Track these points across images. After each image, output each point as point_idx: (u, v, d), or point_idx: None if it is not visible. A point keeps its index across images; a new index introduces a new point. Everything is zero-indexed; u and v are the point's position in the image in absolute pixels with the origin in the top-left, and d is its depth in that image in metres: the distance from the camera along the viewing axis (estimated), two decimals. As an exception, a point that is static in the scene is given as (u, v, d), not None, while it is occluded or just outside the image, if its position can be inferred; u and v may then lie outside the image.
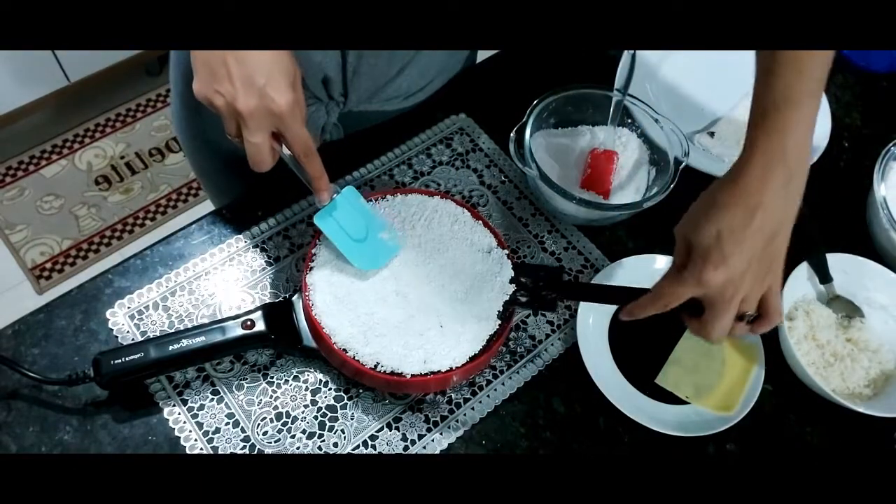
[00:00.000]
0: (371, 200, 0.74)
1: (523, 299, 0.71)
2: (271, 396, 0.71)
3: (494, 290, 0.71)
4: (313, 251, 0.70)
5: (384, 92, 0.85)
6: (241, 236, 0.79)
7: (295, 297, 0.71)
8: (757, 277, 0.58)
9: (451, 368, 0.66)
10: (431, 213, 0.74)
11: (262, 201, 0.82)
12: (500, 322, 0.70)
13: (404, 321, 0.67)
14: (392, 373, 0.65)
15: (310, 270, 0.69)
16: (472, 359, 0.67)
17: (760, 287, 0.59)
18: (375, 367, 0.65)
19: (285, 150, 0.62)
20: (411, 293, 0.69)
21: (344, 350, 0.65)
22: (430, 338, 0.67)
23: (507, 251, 0.73)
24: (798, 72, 0.57)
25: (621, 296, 0.68)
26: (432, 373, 0.66)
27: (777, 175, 0.56)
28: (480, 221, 0.75)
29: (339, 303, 0.67)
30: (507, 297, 0.70)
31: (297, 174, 0.65)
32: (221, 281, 0.76)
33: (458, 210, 0.75)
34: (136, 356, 0.65)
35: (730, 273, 0.56)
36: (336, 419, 0.70)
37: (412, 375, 0.65)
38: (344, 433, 0.70)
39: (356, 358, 0.65)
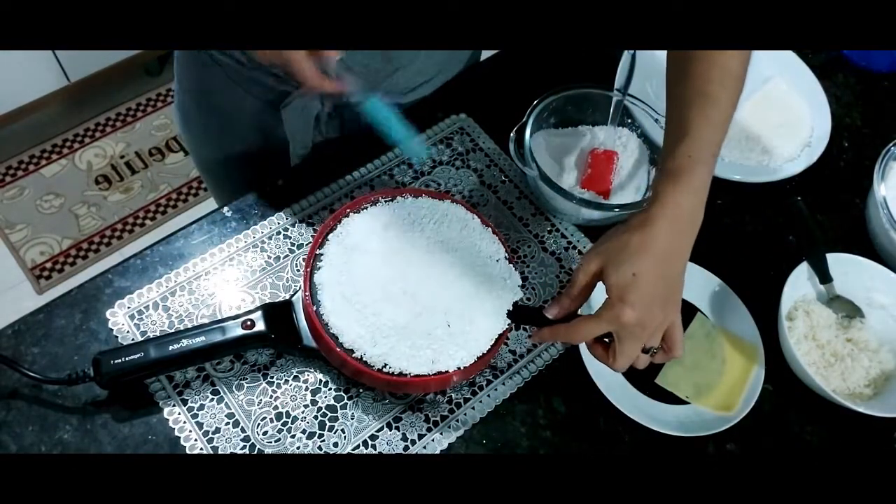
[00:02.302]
0: (380, 201, 0.73)
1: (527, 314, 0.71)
2: (271, 396, 0.71)
3: (504, 288, 0.70)
4: (319, 251, 0.70)
5: (380, 87, 0.85)
6: (241, 236, 0.79)
7: (295, 297, 0.71)
8: (662, 317, 0.62)
9: (459, 368, 0.66)
10: (441, 217, 0.73)
11: (263, 201, 0.82)
12: (509, 321, 0.69)
13: (411, 321, 0.67)
14: (399, 374, 0.65)
15: (317, 269, 0.68)
16: (479, 358, 0.67)
17: (663, 325, 0.63)
18: (383, 368, 0.65)
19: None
20: (419, 291, 0.68)
21: (351, 350, 0.65)
22: (438, 337, 0.66)
23: (513, 266, 0.73)
24: (707, 135, 0.64)
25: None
26: (439, 373, 0.65)
27: (681, 229, 0.63)
28: (489, 228, 0.74)
29: (348, 302, 0.67)
30: (516, 298, 0.70)
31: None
32: (221, 281, 0.76)
33: (469, 216, 0.74)
34: (136, 356, 0.65)
35: (642, 313, 0.60)
36: (336, 419, 0.70)
37: (418, 376, 0.65)
38: (344, 433, 0.70)
39: (363, 359, 0.65)
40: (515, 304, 0.70)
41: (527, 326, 0.78)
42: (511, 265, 0.73)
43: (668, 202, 0.62)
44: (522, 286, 0.72)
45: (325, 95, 0.75)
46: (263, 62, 0.65)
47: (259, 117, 0.89)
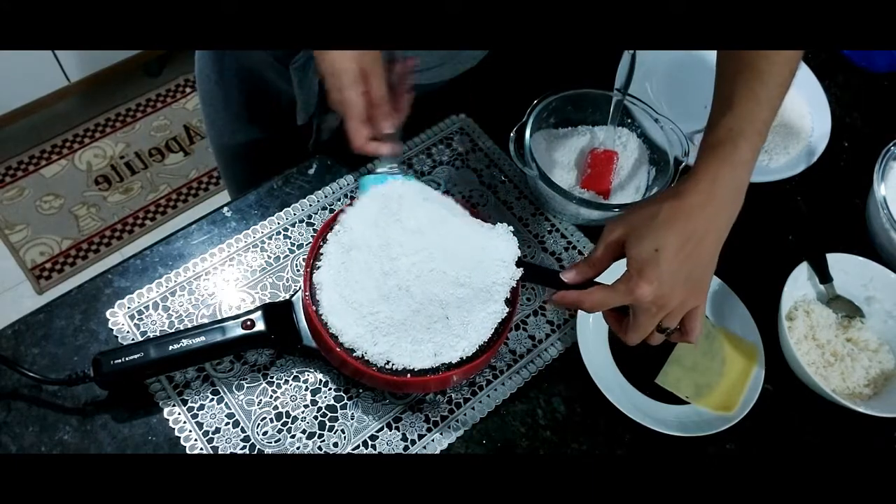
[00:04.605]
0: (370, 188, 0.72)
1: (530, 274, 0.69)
2: (271, 396, 0.71)
3: (501, 271, 0.68)
4: (319, 251, 0.69)
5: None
6: (240, 236, 0.79)
7: (295, 297, 0.71)
8: (683, 298, 0.60)
9: (462, 359, 0.66)
10: (430, 195, 0.72)
11: (263, 201, 0.82)
12: (507, 309, 0.68)
13: (409, 317, 0.66)
14: (403, 370, 0.65)
15: (316, 269, 0.68)
16: (481, 347, 0.67)
17: (684, 307, 0.61)
18: (385, 365, 0.65)
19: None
20: (413, 286, 0.67)
21: (351, 350, 0.65)
22: (438, 331, 0.66)
23: (510, 228, 0.71)
24: (753, 110, 0.60)
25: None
26: (444, 366, 0.65)
27: (717, 205, 0.59)
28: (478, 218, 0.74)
29: (345, 302, 0.66)
30: (513, 281, 0.68)
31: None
32: (221, 281, 0.76)
33: (456, 205, 0.74)
34: (136, 356, 0.65)
35: (660, 291, 0.58)
36: (336, 419, 0.70)
37: (422, 370, 0.65)
38: (344, 433, 0.70)
39: (365, 358, 0.65)
40: (528, 264, 0.68)
41: (534, 320, 0.78)
42: (506, 228, 0.69)
43: (704, 176, 0.59)
44: (523, 256, 0.70)
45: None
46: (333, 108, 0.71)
47: (269, 76, 0.90)
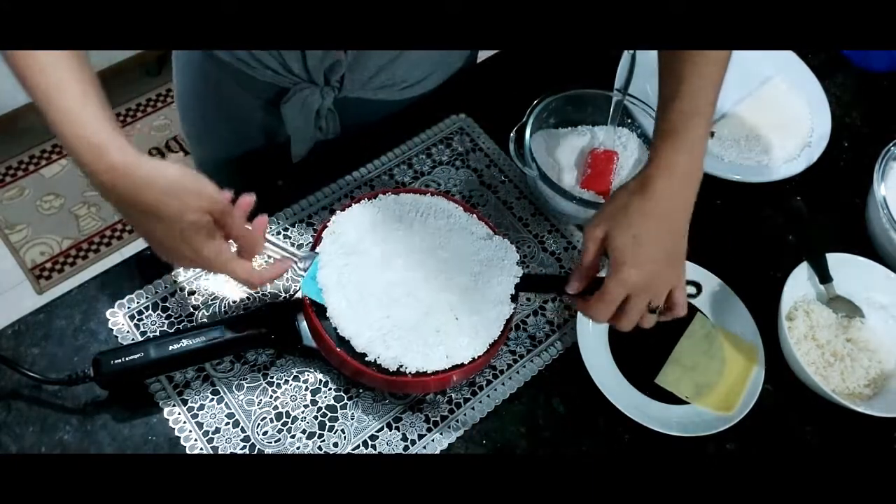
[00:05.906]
0: (363, 200, 0.73)
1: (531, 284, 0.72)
2: (271, 396, 0.71)
3: (503, 273, 0.71)
4: (317, 251, 0.70)
5: (377, 79, 0.84)
6: (241, 236, 0.79)
7: (295, 297, 0.71)
8: (665, 276, 0.64)
9: (474, 359, 0.66)
10: (426, 210, 0.74)
11: (262, 201, 0.82)
12: (514, 305, 0.70)
13: (420, 320, 0.67)
14: (416, 373, 0.65)
15: (321, 268, 0.68)
16: (491, 345, 0.68)
17: (667, 284, 0.64)
18: (399, 369, 0.65)
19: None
20: (421, 292, 0.68)
21: (364, 354, 0.65)
22: (449, 332, 0.67)
23: (505, 239, 0.73)
24: (699, 90, 0.65)
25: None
26: (455, 366, 0.66)
27: (681, 184, 0.64)
28: (474, 214, 0.75)
29: (353, 307, 0.66)
30: (517, 280, 0.71)
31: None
32: (221, 281, 0.76)
33: (451, 206, 0.75)
34: (136, 356, 0.65)
35: (645, 272, 0.62)
36: (336, 419, 0.70)
37: (435, 373, 0.65)
38: (344, 433, 0.70)
39: (378, 362, 0.65)
40: (526, 275, 0.71)
41: (546, 311, 0.78)
42: (504, 239, 0.73)
43: (664, 162, 0.64)
44: (522, 262, 0.73)
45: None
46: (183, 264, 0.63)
47: (259, 117, 0.89)
